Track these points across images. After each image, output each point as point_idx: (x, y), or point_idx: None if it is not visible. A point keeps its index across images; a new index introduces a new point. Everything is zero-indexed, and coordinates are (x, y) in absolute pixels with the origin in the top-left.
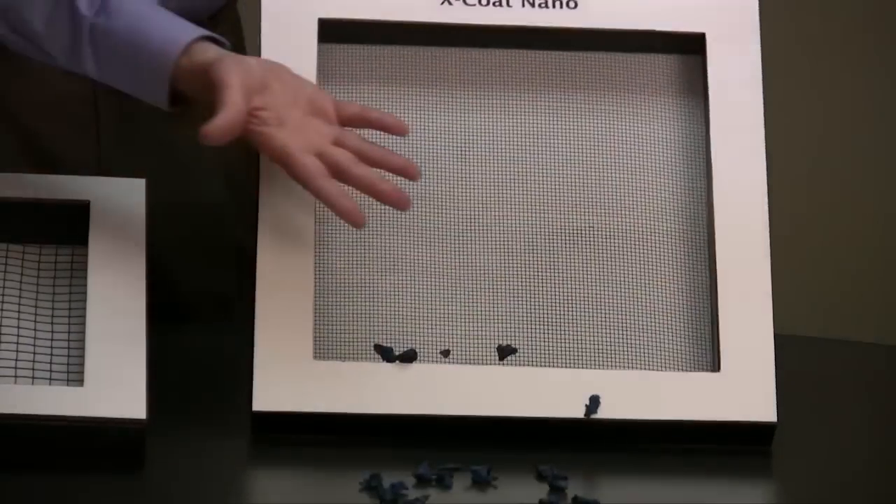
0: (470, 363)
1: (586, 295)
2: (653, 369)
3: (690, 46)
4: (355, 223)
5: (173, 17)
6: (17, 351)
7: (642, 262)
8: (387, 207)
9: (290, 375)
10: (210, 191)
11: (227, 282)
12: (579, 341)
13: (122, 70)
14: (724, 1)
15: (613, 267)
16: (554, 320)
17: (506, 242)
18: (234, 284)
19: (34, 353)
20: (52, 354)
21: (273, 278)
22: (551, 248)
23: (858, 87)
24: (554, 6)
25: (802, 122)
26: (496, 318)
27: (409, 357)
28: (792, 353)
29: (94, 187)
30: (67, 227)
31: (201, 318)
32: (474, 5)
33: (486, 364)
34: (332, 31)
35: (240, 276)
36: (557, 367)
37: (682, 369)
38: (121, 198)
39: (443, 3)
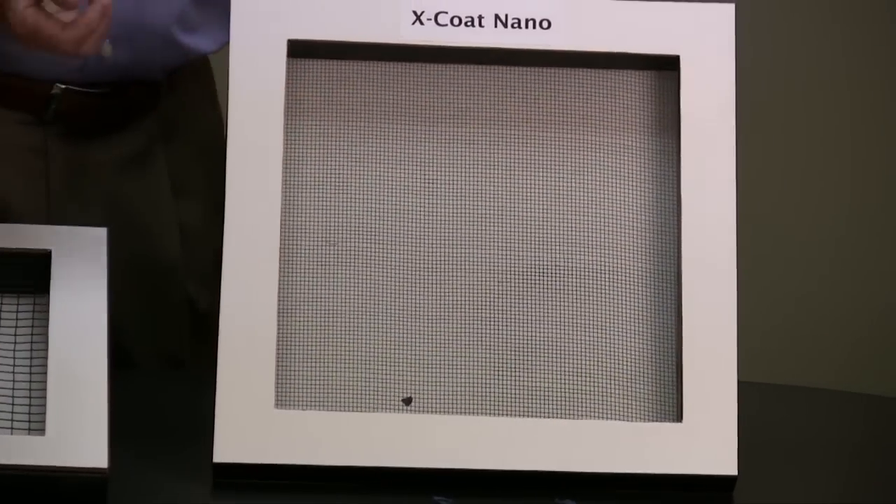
0: (431, 411)
1: (551, 338)
2: (616, 418)
3: (665, 69)
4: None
5: None
6: None
7: (609, 304)
8: (347, 259)
9: (250, 425)
10: (161, 244)
11: (177, 336)
12: (543, 387)
13: None
14: (699, 23)
15: (579, 309)
16: (517, 365)
17: (468, 285)
18: (186, 339)
19: None
20: (13, 404)
21: (236, 329)
22: (516, 290)
23: (835, 117)
24: (527, 27)
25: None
26: (458, 364)
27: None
28: (754, 400)
29: (56, 237)
30: (28, 277)
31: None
32: (446, 25)
33: (449, 413)
34: (302, 52)
35: (191, 331)
36: (516, 416)
37: (645, 419)
38: (82, 247)
39: (414, 22)
